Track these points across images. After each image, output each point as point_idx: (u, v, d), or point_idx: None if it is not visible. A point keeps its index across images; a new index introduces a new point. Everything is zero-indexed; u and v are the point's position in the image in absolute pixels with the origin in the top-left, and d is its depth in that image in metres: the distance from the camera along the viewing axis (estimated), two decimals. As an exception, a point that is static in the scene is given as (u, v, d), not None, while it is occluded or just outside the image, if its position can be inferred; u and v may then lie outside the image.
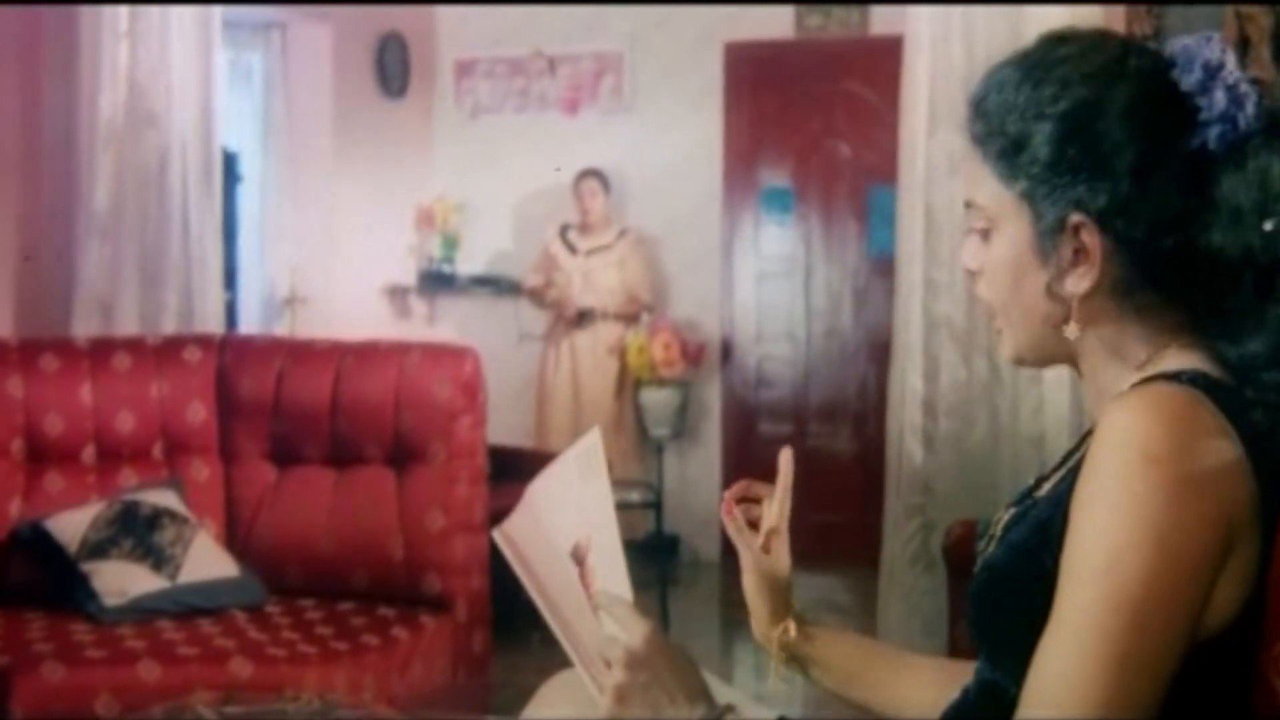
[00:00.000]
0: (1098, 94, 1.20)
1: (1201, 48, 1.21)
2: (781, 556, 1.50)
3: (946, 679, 1.40)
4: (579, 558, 1.30)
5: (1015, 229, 1.24)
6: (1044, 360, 1.31)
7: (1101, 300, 1.22)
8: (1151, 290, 1.22)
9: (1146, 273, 1.22)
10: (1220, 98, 1.19)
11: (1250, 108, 1.20)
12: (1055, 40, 1.26)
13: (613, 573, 1.29)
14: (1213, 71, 1.20)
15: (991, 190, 1.25)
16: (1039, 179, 1.22)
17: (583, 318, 6.28)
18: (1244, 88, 1.20)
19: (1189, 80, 1.20)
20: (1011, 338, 1.29)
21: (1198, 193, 1.19)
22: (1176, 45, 1.23)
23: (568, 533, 1.31)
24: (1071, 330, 1.23)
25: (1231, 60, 1.21)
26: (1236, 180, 1.19)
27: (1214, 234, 1.19)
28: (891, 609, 3.68)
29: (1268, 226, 1.18)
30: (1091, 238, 1.20)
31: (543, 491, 1.34)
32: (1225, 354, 1.21)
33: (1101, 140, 1.19)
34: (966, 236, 1.31)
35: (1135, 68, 1.22)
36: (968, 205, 1.29)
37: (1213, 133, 1.19)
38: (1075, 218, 1.20)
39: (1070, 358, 1.28)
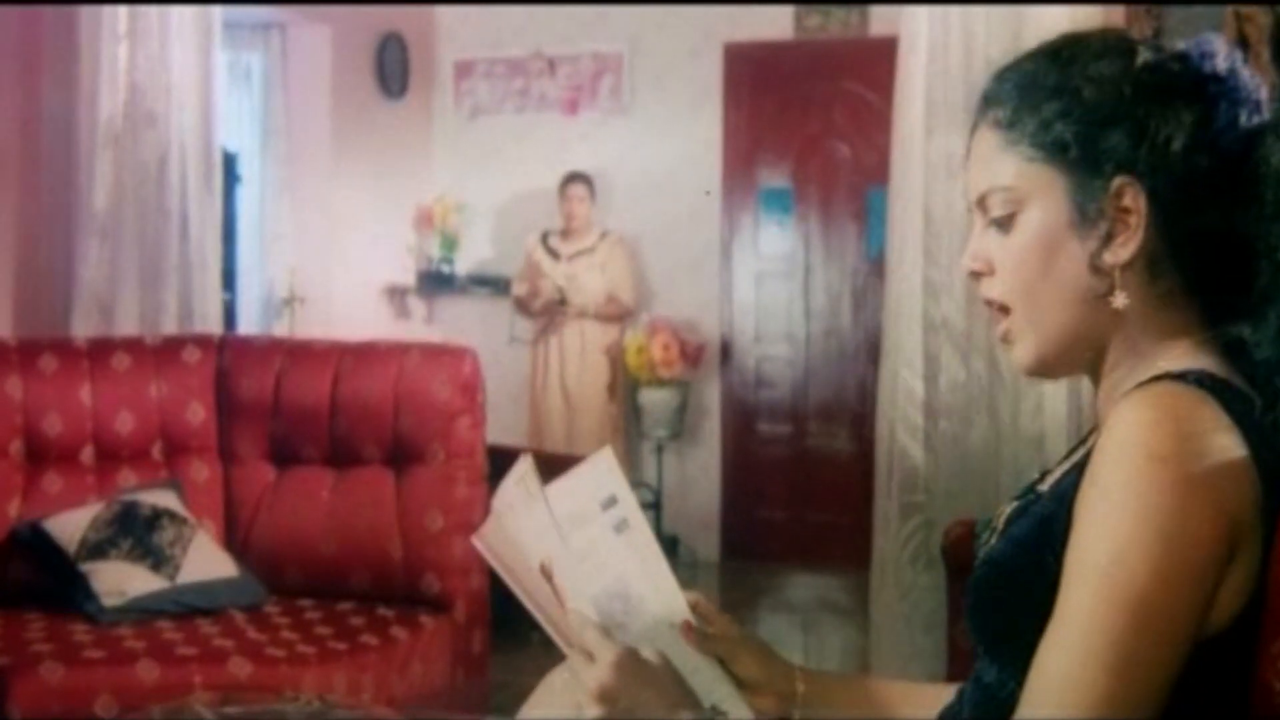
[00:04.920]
0: (1128, 64, 1.23)
1: (1214, 41, 1.24)
2: (729, 627, 1.40)
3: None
4: (546, 575, 1.30)
5: (1051, 200, 1.23)
6: (1066, 359, 1.28)
7: (1134, 279, 1.22)
8: (1177, 275, 1.23)
9: (1178, 251, 1.22)
10: (1247, 79, 1.23)
11: (1265, 96, 1.24)
12: (1069, 36, 1.28)
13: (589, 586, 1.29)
14: (1233, 60, 1.24)
15: (1019, 168, 1.24)
16: (1080, 142, 1.22)
17: (562, 303, 6.27)
18: (1258, 79, 1.24)
19: (1211, 65, 1.23)
20: (1035, 335, 1.26)
21: (1233, 170, 1.21)
22: (1189, 42, 1.25)
23: (530, 551, 1.31)
24: (1119, 300, 1.21)
25: (1239, 58, 1.25)
26: (1270, 162, 1.21)
27: (1249, 216, 1.21)
28: (887, 607, 3.69)
29: None
30: (1135, 200, 1.20)
31: (502, 509, 1.33)
32: (1238, 353, 1.22)
33: (1140, 101, 1.21)
34: (973, 236, 1.29)
35: (1155, 49, 1.25)
36: (980, 199, 1.27)
37: (1243, 113, 1.22)
38: (1119, 180, 1.21)
39: (1092, 353, 1.26)
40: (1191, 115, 1.21)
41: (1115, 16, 3.60)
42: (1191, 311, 1.24)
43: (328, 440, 3.60)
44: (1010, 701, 1.16)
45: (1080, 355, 1.27)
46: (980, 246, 1.28)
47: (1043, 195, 1.23)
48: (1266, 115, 1.24)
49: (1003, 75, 1.28)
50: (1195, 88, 1.22)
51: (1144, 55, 1.24)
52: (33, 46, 4.37)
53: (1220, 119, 1.22)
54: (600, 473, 1.33)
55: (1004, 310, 1.28)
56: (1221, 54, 1.24)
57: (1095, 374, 1.28)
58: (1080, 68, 1.24)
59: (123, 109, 4.33)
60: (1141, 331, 1.24)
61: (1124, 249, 1.21)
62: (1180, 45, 1.25)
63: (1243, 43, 3.47)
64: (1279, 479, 1.14)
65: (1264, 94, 1.25)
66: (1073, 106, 1.22)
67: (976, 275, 1.29)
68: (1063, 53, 1.26)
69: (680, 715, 1.24)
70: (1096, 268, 1.22)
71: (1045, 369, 1.29)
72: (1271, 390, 1.18)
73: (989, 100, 1.28)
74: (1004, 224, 1.25)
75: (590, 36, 6.77)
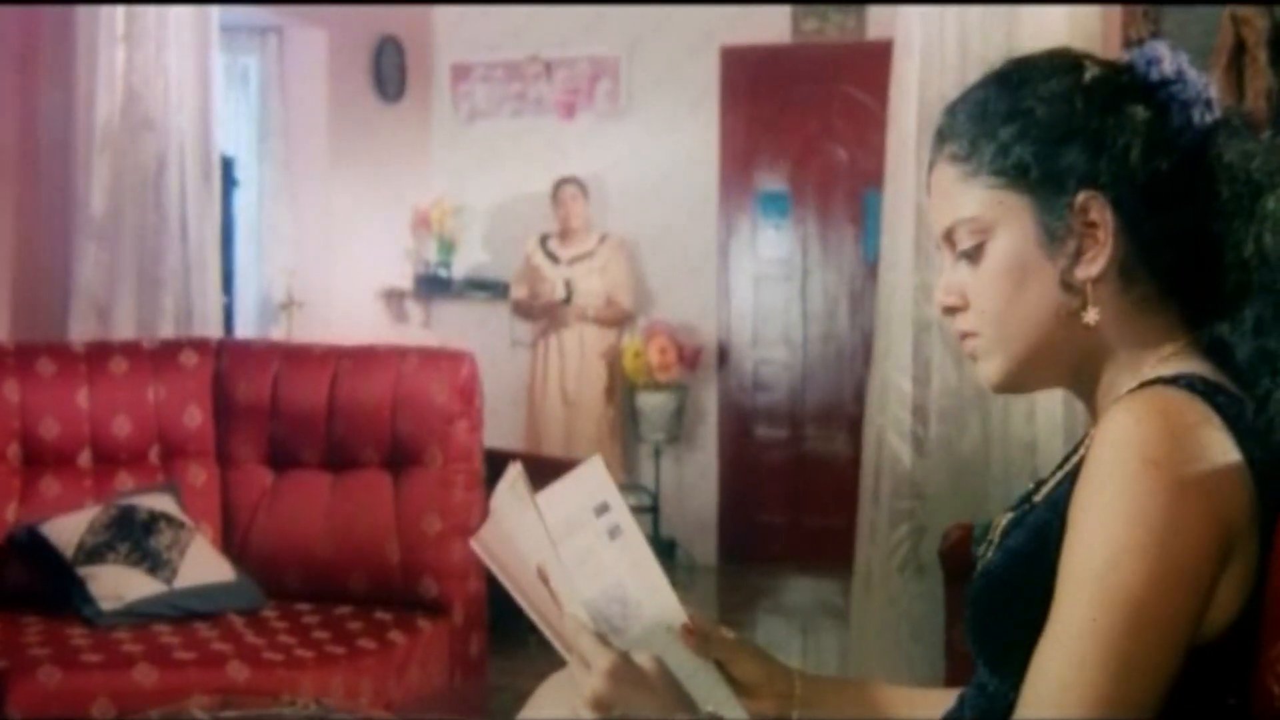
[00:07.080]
0: (1077, 79, 1.24)
1: (1159, 48, 1.25)
2: (725, 635, 1.40)
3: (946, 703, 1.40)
4: (543, 579, 1.30)
5: (1017, 225, 1.23)
6: (1036, 377, 1.28)
7: (1107, 290, 1.22)
8: (1153, 280, 1.23)
9: (1150, 257, 1.22)
10: (1195, 79, 1.24)
11: (1215, 94, 1.25)
12: (1015, 60, 1.29)
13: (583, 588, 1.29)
14: (1179, 62, 1.25)
15: (982, 197, 1.24)
16: (1039, 162, 1.22)
17: (566, 302, 6.27)
18: (1205, 78, 1.25)
19: (1159, 71, 1.24)
20: (1003, 353, 1.26)
21: (1192, 170, 1.22)
22: (1134, 53, 1.26)
23: (527, 555, 1.31)
24: (1091, 315, 1.22)
25: (1184, 59, 1.26)
26: (1224, 160, 1.22)
27: (1210, 213, 1.21)
28: (872, 616, 3.66)
29: (1269, 205, 1.19)
30: (1100, 213, 1.21)
31: (498, 514, 1.34)
32: (1221, 355, 1.22)
33: (1093, 114, 1.22)
34: (944, 271, 1.29)
35: (1100, 63, 1.27)
36: (947, 234, 1.27)
37: (1195, 112, 1.23)
38: (1083, 195, 1.21)
39: (1065, 368, 1.27)
40: (1146, 121, 1.22)
41: (1113, 18, 3.60)
42: (1170, 315, 1.24)
43: (325, 444, 3.60)
44: (1010, 710, 1.16)
45: (1051, 372, 1.28)
46: (952, 281, 1.28)
47: (1009, 221, 1.24)
48: (1218, 112, 1.25)
49: (954, 109, 1.29)
50: (1146, 94, 1.23)
51: (1091, 70, 1.25)
52: (30, 48, 4.37)
53: (1174, 120, 1.23)
54: (592, 480, 1.33)
55: (971, 333, 1.28)
56: (1166, 58, 1.25)
57: (1077, 388, 1.29)
58: (1031, 89, 1.24)
59: (120, 112, 4.33)
60: (1120, 341, 1.24)
61: (1094, 263, 1.22)
62: (1125, 57, 1.27)
63: (1239, 46, 3.46)
64: (1273, 481, 1.15)
65: (1213, 92, 1.25)
66: (1028, 127, 1.23)
67: (951, 310, 1.29)
68: (1011, 77, 1.27)
69: (677, 719, 1.24)
70: (1068, 285, 1.22)
71: (1012, 386, 1.29)
72: (1261, 392, 1.19)
73: (943, 135, 1.28)
74: (973, 255, 1.26)
75: (587, 40, 6.77)
